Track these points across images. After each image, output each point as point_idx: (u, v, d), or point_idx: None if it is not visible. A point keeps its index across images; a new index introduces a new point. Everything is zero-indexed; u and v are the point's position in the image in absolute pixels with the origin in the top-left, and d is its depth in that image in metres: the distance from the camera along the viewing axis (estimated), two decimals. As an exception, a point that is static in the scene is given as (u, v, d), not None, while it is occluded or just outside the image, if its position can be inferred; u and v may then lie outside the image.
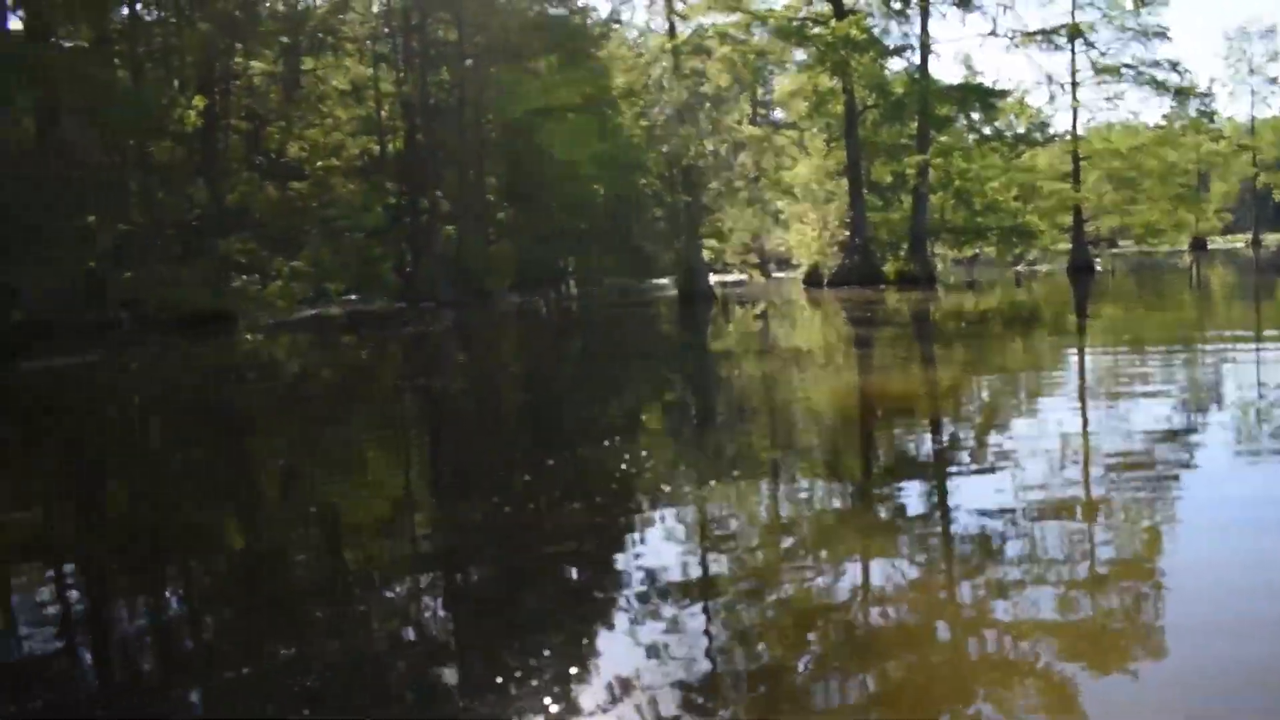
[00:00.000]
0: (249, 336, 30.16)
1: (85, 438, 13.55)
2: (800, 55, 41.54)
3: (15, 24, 30.35)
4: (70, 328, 32.02)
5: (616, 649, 4.92)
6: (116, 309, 34.33)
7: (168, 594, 6.53)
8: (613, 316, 32.41)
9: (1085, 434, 9.50)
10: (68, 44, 32.82)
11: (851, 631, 5.00)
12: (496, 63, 42.46)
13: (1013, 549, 6.13)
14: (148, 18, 37.11)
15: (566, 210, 53.26)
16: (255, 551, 7.38)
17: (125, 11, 34.98)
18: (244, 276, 35.98)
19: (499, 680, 4.54)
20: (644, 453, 9.69)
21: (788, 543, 6.60)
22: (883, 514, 7.24)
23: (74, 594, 6.50)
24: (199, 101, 31.91)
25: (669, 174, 41.25)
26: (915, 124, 41.09)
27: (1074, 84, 45.26)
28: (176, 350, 27.18)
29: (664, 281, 46.85)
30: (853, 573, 5.85)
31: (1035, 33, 41.99)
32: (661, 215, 51.43)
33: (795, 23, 40.26)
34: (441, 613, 5.82)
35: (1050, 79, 45.00)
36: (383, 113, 44.75)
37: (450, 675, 4.85)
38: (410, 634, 5.42)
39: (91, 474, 10.98)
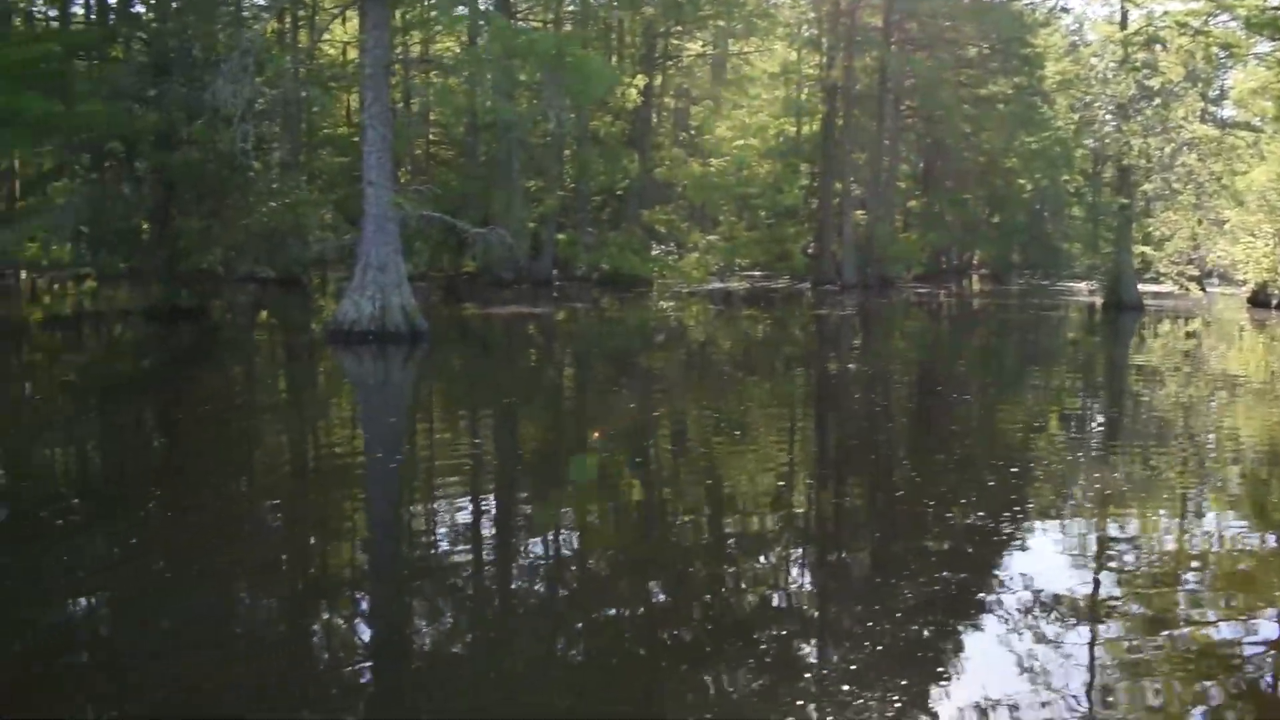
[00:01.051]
0: (661, 302, 32.17)
1: (505, 373, 15.40)
2: (1267, 48, 37.10)
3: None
4: (511, 281, 35.78)
5: (984, 655, 4.94)
6: (549, 267, 37.88)
7: (553, 525, 7.28)
8: (1022, 318, 31.02)
9: None
10: (524, 25, 36.46)
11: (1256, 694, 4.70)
12: (924, 49, 41.71)
13: None
14: (595, 1, 40.15)
15: (982, 203, 51.45)
16: (641, 503, 7.96)
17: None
18: (662, 246, 38.41)
19: (859, 665, 4.70)
20: (1035, 463, 9.43)
21: (1189, 579, 6.26)
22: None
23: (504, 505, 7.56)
24: (639, 80, 34.20)
25: (1095, 171, 38.53)
26: None
27: None
28: (599, 308, 29.59)
29: (1079, 285, 43.99)
30: (1266, 629, 5.48)
31: None
32: (1084, 215, 48.24)
33: (1271, 12, 36.01)
34: (808, 588, 6.02)
35: None
36: (802, 95, 45.47)
37: (808, 653, 5.01)
38: (776, 603, 5.65)
39: (502, 406, 12.39)
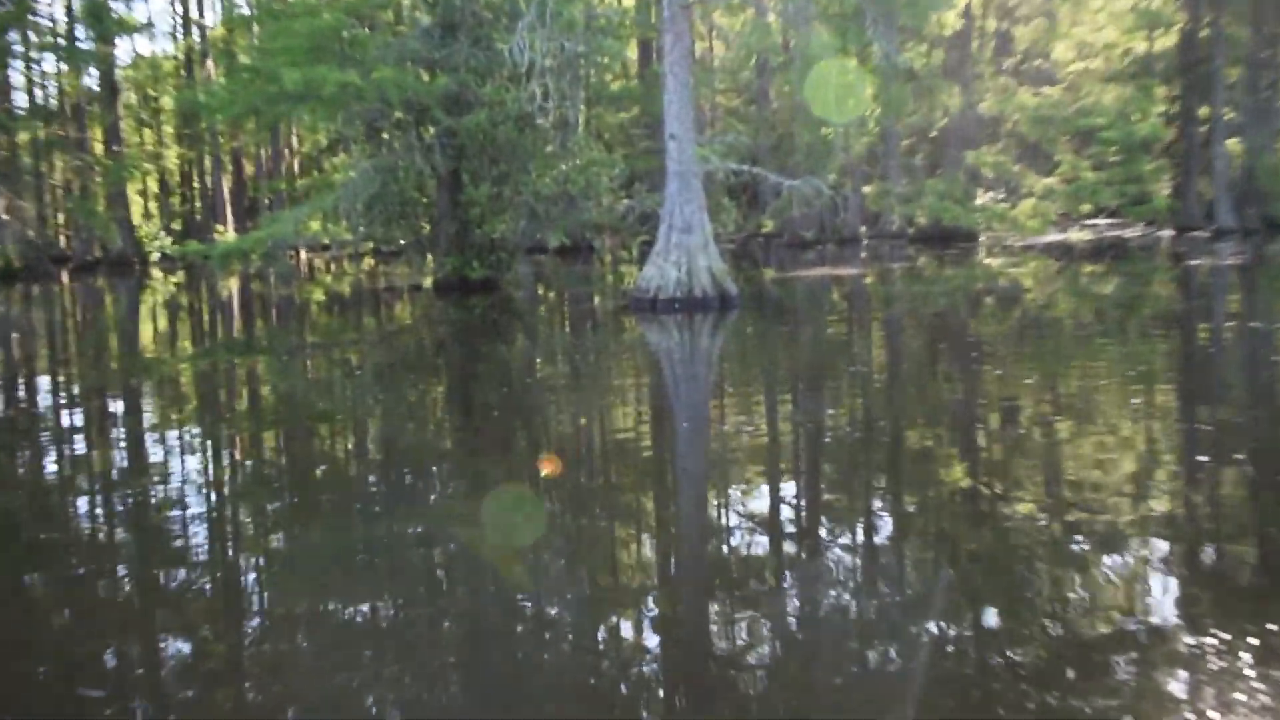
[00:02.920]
0: (988, 259, 28.22)
1: (828, 344, 13.03)
2: None
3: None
4: (812, 241, 33.21)
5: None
6: (856, 222, 34.79)
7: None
8: None
9: None
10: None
11: None
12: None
13: None
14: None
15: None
16: (961, 491, 6.38)
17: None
18: (990, 192, 34.19)
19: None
20: None
21: None
22: None
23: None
24: (959, 0, 29.98)
25: None
26: None
27: None
28: (915, 268, 26.47)
29: None
30: None
31: None
32: None
33: None
34: (1170, 610, 4.35)
35: None
36: (1154, 3, 39.17)
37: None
38: (1130, 616, 4.25)
39: (837, 381, 10.00)
